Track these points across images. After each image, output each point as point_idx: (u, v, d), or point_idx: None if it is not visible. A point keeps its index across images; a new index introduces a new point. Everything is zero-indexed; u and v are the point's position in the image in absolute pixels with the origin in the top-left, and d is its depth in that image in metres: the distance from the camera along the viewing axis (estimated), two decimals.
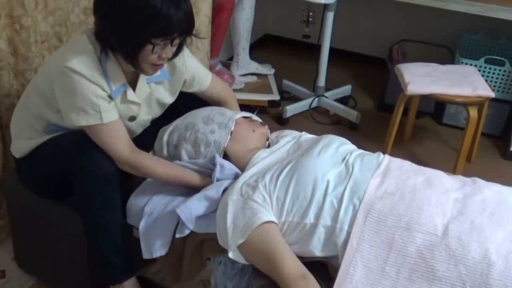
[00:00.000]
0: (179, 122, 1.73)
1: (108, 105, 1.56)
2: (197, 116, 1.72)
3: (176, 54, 1.61)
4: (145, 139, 1.77)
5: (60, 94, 1.56)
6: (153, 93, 1.74)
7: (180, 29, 1.51)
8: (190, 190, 1.65)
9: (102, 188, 1.58)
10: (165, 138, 1.72)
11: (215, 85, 1.91)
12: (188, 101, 1.87)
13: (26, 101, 1.71)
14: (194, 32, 1.57)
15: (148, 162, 1.62)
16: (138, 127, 1.80)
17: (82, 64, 1.51)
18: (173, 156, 1.70)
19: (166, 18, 1.45)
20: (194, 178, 1.64)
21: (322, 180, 1.47)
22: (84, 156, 1.57)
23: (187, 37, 1.58)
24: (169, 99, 1.81)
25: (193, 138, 1.67)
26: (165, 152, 1.72)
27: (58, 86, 1.55)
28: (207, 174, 1.65)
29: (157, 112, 1.82)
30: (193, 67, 1.80)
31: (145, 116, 1.78)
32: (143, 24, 1.46)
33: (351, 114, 3.19)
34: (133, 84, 1.66)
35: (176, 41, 1.55)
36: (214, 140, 1.67)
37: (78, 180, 1.59)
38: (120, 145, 1.58)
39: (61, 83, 1.54)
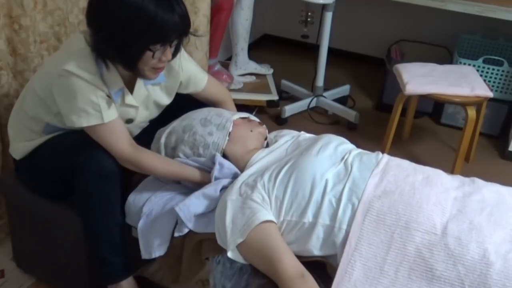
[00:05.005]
0: (176, 124, 1.73)
1: (107, 104, 1.56)
2: (194, 117, 1.72)
3: (174, 54, 1.61)
4: (143, 140, 1.77)
5: (59, 97, 1.55)
6: (150, 95, 1.74)
7: (177, 32, 1.51)
8: (188, 190, 1.65)
9: (103, 187, 1.58)
10: (162, 140, 1.72)
11: (210, 86, 1.90)
12: (186, 101, 1.87)
13: (23, 104, 1.70)
14: (191, 31, 1.57)
15: (149, 159, 1.62)
16: (136, 129, 1.81)
17: (80, 66, 1.51)
18: (171, 158, 1.70)
19: (162, 24, 1.45)
20: (194, 174, 1.65)
21: (321, 179, 1.47)
22: (84, 155, 1.57)
23: (185, 37, 1.58)
24: (166, 100, 1.81)
25: (191, 140, 1.67)
26: (163, 154, 1.72)
27: (57, 89, 1.55)
28: (207, 171, 1.65)
29: (154, 113, 1.82)
30: (189, 69, 1.80)
31: (143, 118, 1.78)
32: (140, 33, 1.46)
33: (350, 114, 3.19)
34: (130, 87, 1.66)
35: (175, 42, 1.55)
36: (212, 142, 1.67)
37: (78, 178, 1.59)
38: (122, 143, 1.58)
39: (60, 86, 1.53)
